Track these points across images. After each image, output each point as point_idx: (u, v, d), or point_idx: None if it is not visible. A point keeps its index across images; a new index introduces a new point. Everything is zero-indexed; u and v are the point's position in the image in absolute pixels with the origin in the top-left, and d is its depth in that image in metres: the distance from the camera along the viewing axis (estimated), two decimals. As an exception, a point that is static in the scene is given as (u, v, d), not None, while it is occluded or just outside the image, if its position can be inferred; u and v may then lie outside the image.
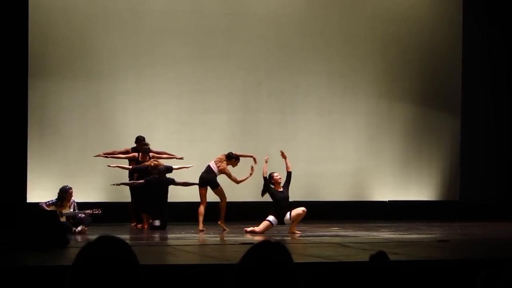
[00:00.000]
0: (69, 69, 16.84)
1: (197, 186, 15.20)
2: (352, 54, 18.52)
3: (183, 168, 15.70)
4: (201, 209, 14.92)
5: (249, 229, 14.27)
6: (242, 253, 2.88)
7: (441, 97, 19.15)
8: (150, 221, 15.16)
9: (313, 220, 15.98)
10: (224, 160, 15.10)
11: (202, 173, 15.11)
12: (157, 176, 15.15)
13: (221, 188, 15.06)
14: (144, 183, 15.12)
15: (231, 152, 15.21)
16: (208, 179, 15.02)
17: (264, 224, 14.17)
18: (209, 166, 15.11)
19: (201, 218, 14.81)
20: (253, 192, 16.00)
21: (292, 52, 18.14)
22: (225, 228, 14.87)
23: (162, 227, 14.90)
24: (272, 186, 14.41)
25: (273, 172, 14.54)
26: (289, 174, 14.54)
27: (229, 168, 15.08)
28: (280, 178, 14.47)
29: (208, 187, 15.03)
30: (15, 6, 16.11)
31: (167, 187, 15.20)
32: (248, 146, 17.31)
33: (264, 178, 14.38)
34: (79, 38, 16.89)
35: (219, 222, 14.98)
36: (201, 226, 14.71)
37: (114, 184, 15.49)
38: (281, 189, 14.41)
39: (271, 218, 14.18)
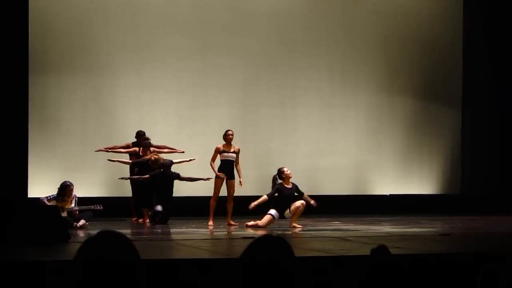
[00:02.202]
0: (69, 64, 16.83)
1: (201, 181, 15.26)
2: (352, 48, 18.51)
3: (183, 162, 15.73)
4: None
5: (250, 223, 14.26)
6: (243, 247, 2.87)
7: (442, 90, 19.15)
8: (152, 209, 15.22)
9: (314, 214, 15.97)
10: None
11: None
12: (162, 170, 15.14)
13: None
14: (149, 178, 15.10)
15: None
16: None
17: (266, 218, 14.16)
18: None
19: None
20: (254, 187, 16.05)
21: (293, 46, 18.13)
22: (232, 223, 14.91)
23: (163, 220, 14.88)
24: (281, 181, 14.38)
25: (283, 167, 14.50)
26: (301, 195, 14.48)
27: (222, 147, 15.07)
28: (290, 173, 14.42)
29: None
30: (15, 2, 16.10)
31: (172, 182, 15.19)
32: (248, 140, 17.33)
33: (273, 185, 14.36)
34: (79, 33, 16.88)
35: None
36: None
37: (121, 178, 15.43)
38: (290, 185, 14.37)
39: (272, 211, 14.17)
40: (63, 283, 2.66)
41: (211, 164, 14.93)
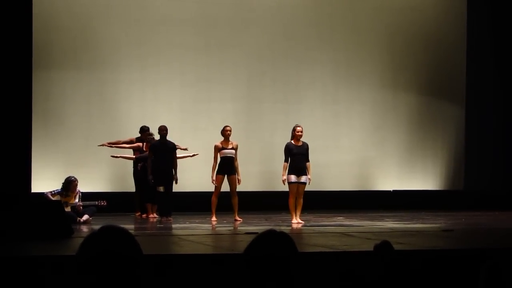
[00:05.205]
0: (73, 60, 16.83)
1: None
2: (357, 43, 18.49)
3: (187, 157, 15.81)
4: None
5: (294, 220, 14.23)
6: (247, 242, 2.87)
7: (446, 86, 19.13)
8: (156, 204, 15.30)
9: (317, 209, 16.02)
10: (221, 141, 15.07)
11: None
12: (160, 139, 15.23)
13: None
14: (150, 151, 15.14)
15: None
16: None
17: (291, 188, 14.18)
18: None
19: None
20: (258, 182, 16.04)
21: (297, 42, 18.11)
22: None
23: (166, 193, 14.90)
24: (292, 141, 14.38)
25: (297, 125, 14.49)
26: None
27: (221, 143, 15.00)
28: (299, 133, 14.35)
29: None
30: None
31: (171, 151, 15.22)
32: (252, 135, 17.34)
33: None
34: (82, 28, 16.88)
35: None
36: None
37: (156, 185, 15.16)
38: (300, 143, 14.35)
39: (292, 178, 14.18)
40: (66, 278, 2.66)
41: (213, 166, 14.89)
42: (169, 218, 14.87)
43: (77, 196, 14.33)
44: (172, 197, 15.13)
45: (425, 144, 18.94)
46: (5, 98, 15.85)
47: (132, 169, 15.98)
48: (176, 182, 15.09)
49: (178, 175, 15.19)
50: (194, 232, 12.21)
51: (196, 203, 16.12)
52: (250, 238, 2.91)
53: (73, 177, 14.40)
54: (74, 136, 16.76)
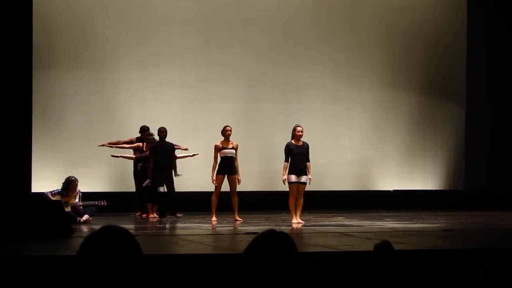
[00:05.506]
0: (73, 59, 16.83)
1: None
2: (357, 43, 18.49)
3: (187, 157, 15.82)
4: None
5: (294, 220, 14.25)
6: (247, 242, 2.87)
7: (446, 86, 19.13)
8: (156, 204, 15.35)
9: (317, 209, 16.01)
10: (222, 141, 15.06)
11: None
12: (159, 141, 15.26)
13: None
14: (151, 153, 15.18)
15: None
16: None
17: (291, 188, 14.20)
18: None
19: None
20: (257, 182, 16.02)
21: (297, 42, 18.11)
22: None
23: (168, 193, 14.97)
24: (292, 141, 14.42)
25: (298, 125, 14.52)
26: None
27: (221, 143, 14.98)
28: (299, 133, 14.38)
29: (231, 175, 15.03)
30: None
31: (171, 152, 15.26)
32: (252, 135, 17.34)
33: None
34: (82, 28, 16.88)
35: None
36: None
37: (157, 186, 15.25)
38: (300, 143, 14.38)
39: (292, 178, 14.21)
40: (66, 278, 2.65)
41: (213, 166, 14.89)
42: (178, 215, 15.22)
43: (77, 196, 14.33)
44: (174, 196, 15.21)
45: (425, 144, 18.94)
46: (5, 98, 15.85)
47: (132, 169, 15.98)
48: (179, 174, 15.20)
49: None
50: (194, 232, 12.21)
51: (196, 203, 16.11)
52: (250, 238, 2.91)
53: (73, 177, 14.40)
54: (74, 136, 16.76)
